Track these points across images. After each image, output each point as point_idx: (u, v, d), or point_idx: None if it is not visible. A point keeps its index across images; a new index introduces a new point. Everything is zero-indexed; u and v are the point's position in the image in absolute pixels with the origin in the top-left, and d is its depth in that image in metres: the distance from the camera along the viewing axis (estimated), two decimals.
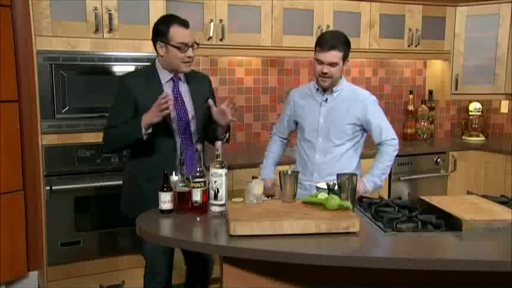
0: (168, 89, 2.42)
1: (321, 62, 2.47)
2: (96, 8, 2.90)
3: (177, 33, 2.33)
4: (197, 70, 2.73)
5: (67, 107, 2.92)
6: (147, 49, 3.04)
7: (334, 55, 2.45)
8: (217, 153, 2.12)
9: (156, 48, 2.40)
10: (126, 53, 3.01)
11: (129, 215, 2.37)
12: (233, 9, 3.45)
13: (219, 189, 2.07)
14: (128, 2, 2.99)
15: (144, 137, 2.30)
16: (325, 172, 2.58)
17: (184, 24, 2.37)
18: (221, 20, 3.39)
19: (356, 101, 2.59)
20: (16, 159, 3.21)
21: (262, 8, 3.54)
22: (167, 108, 2.23)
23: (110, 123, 2.42)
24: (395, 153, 2.66)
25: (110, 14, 2.93)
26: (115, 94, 2.45)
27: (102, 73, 2.98)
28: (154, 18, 3.02)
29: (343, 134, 2.59)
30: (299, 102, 2.69)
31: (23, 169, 3.26)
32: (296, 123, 2.75)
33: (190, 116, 2.44)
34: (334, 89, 2.58)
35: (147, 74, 2.45)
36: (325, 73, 2.48)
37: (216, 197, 2.07)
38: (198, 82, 2.54)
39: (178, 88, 2.45)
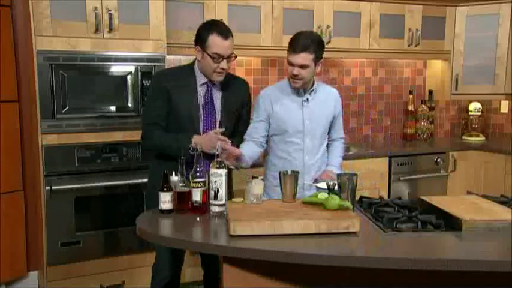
0: (200, 92, 2.45)
1: (290, 64, 2.46)
2: (96, 8, 2.90)
3: (214, 43, 2.33)
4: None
5: (67, 107, 2.92)
6: (147, 49, 3.04)
7: (304, 57, 2.42)
8: (217, 153, 2.12)
9: (196, 51, 2.41)
10: (126, 53, 3.01)
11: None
12: (233, 9, 3.45)
13: (219, 189, 2.06)
14: (128, 2, 2.99)
15: (185, 157, 2.24)
16: (313, 173, 2.59)
17: (224, 34, 2.35)
18: (221, 20, 3.39)
19: (330, 99, 2.65)
20: (16, 159, 3.21)
21: (262, 8, 3.54)
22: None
23: (151, 120, 2.46)
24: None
25: (110, 14, 2.93)
26: (150, 90, 2.52)
27: (102, 73, 2.98)
28: (154, 18, 3.04)
29: (324, 132, 2.64)
30: (276, 104, 2.58)
31: (23, 169, 3.26)
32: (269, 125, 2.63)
33: (217, 123, 2.46)
34: (314, 88, 2.58)
35: (184, 74, 2.48)
36: (296, 75, 2.46)
37: (216, 197, 2.07)
38: (234, 88, 2.53)
39: (211, 93, 2.46)
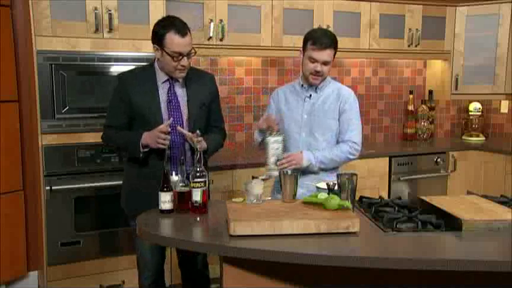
0: (163, 90, 2.41)
1: (314, 61, 2.46)
2: (96, 8, 2.90)
3: (171, 41, 2.27)
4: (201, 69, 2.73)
5: (67, 107, 2.92)
6: (147, 49, 3.04)
7: (329, 54, 2.46)
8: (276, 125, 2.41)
9: (154, 49, 2.38)
10: (126, 53, 3.01)
11: (125, 210, 2.55)
12: (233, 9, 3.45)
13: (279, 157, 2.40)
14: (128, 2, 2.99)
15: (141, 155, 2.34)
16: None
17: (181, 32, 2.28)
18: (221, 20, 3.39)
19: (339, 96, 2.59)
20: (16, 159, 3.21)
21: (262, 8, 3.54)
22: (164, 143, 2.27)
23: (107, 123, 2.49)
24: (350, 157, 2.58)
25: (110, 14, 2.93)
26: (112, 93, 2.48)
27: (102, 73, 2.98)
28: (154, 18, 3.02)
29: (327, 129, 2.58)
30: (283, 100, 2.65)
31: (23, 169, 3.26)
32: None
33: (184, 118, 2.42)
34: (320, 85, 2.58)
35: (144, 73, 2.44)
36: (319, 71, 2.47)
37: (275, 163, 2.39)
38: (200, 83, 2.49)
39: (173, 90, 2.42)
